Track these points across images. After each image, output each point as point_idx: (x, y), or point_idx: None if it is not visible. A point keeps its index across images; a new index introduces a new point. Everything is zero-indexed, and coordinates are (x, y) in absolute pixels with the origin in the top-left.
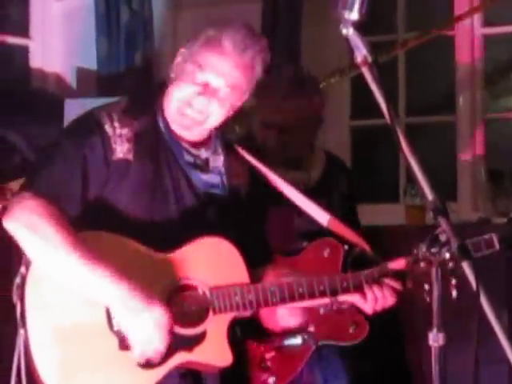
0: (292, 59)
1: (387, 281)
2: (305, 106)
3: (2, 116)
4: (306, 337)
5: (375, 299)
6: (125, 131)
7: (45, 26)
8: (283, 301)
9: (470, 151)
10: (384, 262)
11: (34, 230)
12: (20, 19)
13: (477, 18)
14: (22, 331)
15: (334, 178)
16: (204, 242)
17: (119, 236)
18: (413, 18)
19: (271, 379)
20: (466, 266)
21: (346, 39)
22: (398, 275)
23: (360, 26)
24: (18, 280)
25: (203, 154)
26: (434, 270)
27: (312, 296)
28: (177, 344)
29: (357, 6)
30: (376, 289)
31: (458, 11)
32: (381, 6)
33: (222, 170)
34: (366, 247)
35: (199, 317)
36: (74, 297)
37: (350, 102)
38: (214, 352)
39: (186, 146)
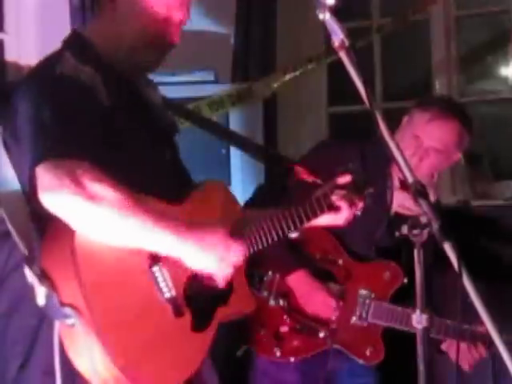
0: (268, 46)
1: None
2: None
3: None
4: (326, 333)
5: (348, 206)
6: (93, 76)
7: (19, 19)
8: (278, 234)
9: None
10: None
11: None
12: None
13: (451, 1)
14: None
15: None
16: (207, 186)
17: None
18: (387, 3)
19: (277, 350)
20: (447, 248)
21: (323, 24)
22: None
23: (336, 11)
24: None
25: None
26: (416, 252)
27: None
28: (215, 301)
29: None
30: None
31: None
32: None
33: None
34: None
35: None
36: (122, 273)
37: (327, 88)
38: (243, 300)
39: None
